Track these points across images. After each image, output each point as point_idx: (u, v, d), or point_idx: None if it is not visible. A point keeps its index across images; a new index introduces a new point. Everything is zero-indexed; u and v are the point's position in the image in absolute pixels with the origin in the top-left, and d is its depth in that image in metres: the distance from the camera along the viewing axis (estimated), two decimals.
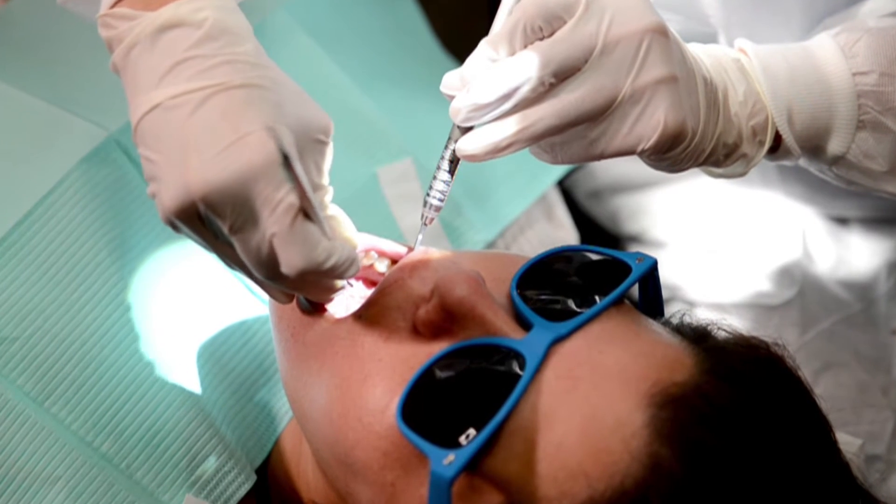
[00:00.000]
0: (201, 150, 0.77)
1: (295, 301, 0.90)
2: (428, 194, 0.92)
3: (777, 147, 1.00)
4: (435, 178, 0.92)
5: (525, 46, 0.87)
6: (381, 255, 0.94)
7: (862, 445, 1.10)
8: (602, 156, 0.90)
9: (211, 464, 0.98)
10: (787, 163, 1.02)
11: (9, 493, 0.93)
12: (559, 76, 0.86)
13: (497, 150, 0.88)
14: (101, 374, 0.98)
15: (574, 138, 0.90)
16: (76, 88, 1.11)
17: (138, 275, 1.03)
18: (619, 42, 0.86)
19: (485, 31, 0.90)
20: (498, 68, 0.86)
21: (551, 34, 0.87)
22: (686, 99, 0.89)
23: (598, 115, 0.88)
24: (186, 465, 0.98)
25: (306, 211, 0.79)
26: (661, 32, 0.88)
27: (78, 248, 1.01)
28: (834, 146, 1.00)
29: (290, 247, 0.78)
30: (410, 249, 0.94)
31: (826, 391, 1.26)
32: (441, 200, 0.92)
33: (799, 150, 0.99)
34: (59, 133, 1.06)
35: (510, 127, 0.87)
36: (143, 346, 1.01)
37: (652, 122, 0.88)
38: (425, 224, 0.93)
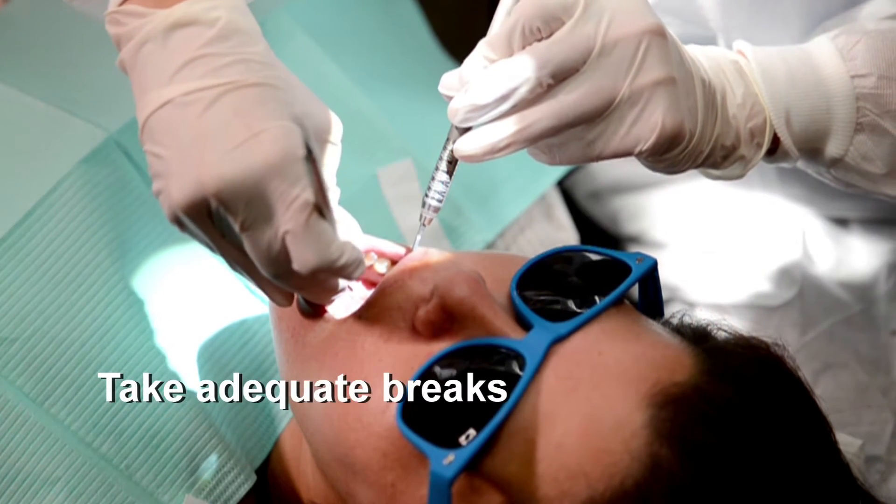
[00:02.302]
0: (215, 146, 0.77)
1: (295, 302, 0.91)
2: (426, 195, 0.92)
3: (775, 149, 1.00)
4: (433, 178, 0.92)
5: (523, 47, 0.87)
6: (381, 255, 0.94)
7: (862, 446, 1.11)
8: (600, 157, 0.90)
9: (211, 464, 0.98)
10: (785, 165, 1.02)
11: (8, 493, 0.93)
12: (557, 77, 0.86)
13: (495, 151, 0.88)
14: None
15: (572, 139, 0.90)
16: (76, 89, 1.11)
17: (138, 275, 1.03)
18: (618, 43, 0.86)
19: (484, 31, 0.90)
20: (496, 69, 0.86)
21: (550, 35, 0.87)
22: (684, 100, 0.89)
23: (596, 117, 0.87)
24: (186, 465, 0.98)
25: (320, 208, 0.80)
26: (660, 34, 0.88)
27: (77, 248, 1.01)
28: (832, 148, 1.00)
29: (305, 244, 0.79)
30: (409, 250, 0.94)
31: (826, 392, 1.26)
32: (439, 201, 0.92)
33: (797, 153, 0.99)
34: (59, 134, 1.06)
35: (508, 128, 0.87)
36: (143, 346, 1.01)
37: (650, 123, 0.88)
38: (424, 225, 0.93)
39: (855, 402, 1.30)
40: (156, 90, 0.79)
